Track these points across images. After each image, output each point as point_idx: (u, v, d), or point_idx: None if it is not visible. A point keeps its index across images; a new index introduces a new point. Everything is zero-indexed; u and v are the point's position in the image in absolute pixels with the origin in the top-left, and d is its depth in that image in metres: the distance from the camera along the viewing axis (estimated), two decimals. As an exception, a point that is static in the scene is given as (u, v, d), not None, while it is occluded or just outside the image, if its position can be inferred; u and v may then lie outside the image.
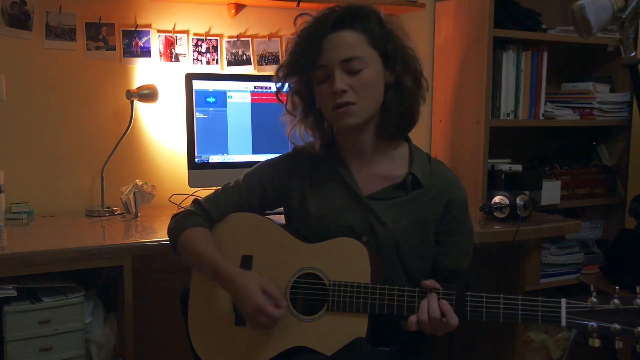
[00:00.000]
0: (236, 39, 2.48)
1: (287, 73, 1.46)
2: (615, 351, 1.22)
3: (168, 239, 1.54)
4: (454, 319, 1.27)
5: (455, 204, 1.45)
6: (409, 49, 1.44)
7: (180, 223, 1.50)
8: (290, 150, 1.57)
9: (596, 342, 1.21)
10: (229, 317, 1.44)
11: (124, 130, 2.27)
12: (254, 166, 1.57)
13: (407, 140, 1.51)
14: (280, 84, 1.49)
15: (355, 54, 1.36)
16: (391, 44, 1.41)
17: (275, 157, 1.57)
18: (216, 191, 1.57)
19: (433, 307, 1.28)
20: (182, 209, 1.57)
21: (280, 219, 1.55)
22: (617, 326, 1.18)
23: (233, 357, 1.43)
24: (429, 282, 1.32)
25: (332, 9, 1.39)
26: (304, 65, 1.41)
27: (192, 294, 1.51)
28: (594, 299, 1.21)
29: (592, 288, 1.23)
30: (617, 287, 1.23)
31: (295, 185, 1.50)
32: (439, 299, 1.29)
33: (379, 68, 1.40)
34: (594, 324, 1.20)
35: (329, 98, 1.38)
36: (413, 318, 1.29)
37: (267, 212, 1.57)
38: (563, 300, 1.23)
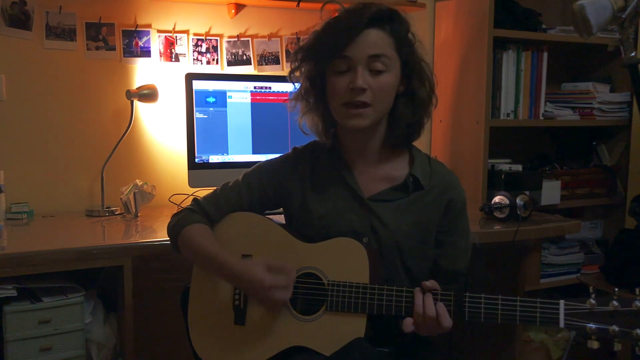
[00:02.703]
0: (236, 39, 2.48)
1: (307, 56, 1.44)
2: (614, 353, 1.22)
3: (168, 237, 1.54)
4: (447, 321, 1.28)
5: (455, 204, 1.46)
6: (426, 64, 1.45)
7: (179, 220, 1.50)
8: (290, 150, 1.57)
9: (595, 344, 1.21)
10: (228, 316, 1.44)
11: (124, 130, 2.27)
12: (254, 166, 1.57)
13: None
14: (296, 65, 1.47)
15: (383, 53, 1.36)
16: (412, 55, 1.42)
17: (276, 158, 1.57)
18: (215, 191, 1.56)
19: (429, 307, 1.28)
20: (182, 209, 1.57)
21: (280, 219, 1.55)
22: (615, 328, 1.18)
23: (232, 356, 1.43)
24: (429, 283, 1.32)
25: (366, 5, 1.38)
26: (328, 52, 1.38)
27: (192, 293, 1.51)
28: (593, 301, 1.21)
29: (591, 290, 1.23)
30: (616, 289, 1.23)
31: (296, 186, 1.50)
32: (435, 301, 1.29)
33: (397, 74, 1.40)
34: (593, 326, 1.20)
35: (345, 92, 1.37)
36: (409, 320, 1.30)
37: (266, 212, 1.57)
38: (562, 302, 1.23)
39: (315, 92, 1.46)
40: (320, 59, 1.41)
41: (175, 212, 1.57)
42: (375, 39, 1.36)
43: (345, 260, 1.38)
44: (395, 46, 1.38)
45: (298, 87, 1.49)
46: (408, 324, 1.29)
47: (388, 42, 1.37)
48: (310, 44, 1.43)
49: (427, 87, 1.44)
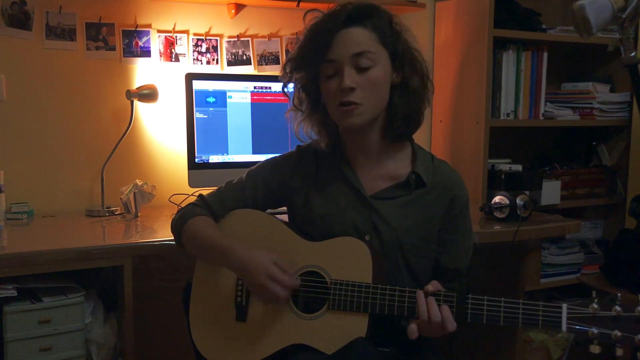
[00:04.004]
0: (236, 39, 2.48)
1: (295, 67, 1.45)
2: (615, 358, 1.22)
3: (172, 231, 1.53)
4: (452, 326, 1.27)
5: (458, 202, 1.46)
6: (417, 51, 1.45)
7: (183, 214, 1.51)
8: (293, 148, 1.57)
9: (596, 349, 1.20)
10: (230, 312, 1.45)
11: (124, 130, 2.27)
12: (258, 164, 1.57)
13: (410, 140, 1.51)
14: (287, 78, 1.48)
15: (367, 49, 1.36)
16: (400, 44, 1.41)
17: (279, 156, 1.57)
18: (219, 188, 1.57)
19: (434, 312, 1.28)
20: (186, 205, 1.57)
21: (284, 217, 1.55)
22: (618, 333, 1.18)
23: (233, 353, 1.43)
24: (431, 287, 1.31)
25: (344, 6, 1.38)
26: (313, 58, 1.39)
27: (194, 290, 1.51)
28: (596, 305, 1.20)
29: (593, 294, 1.23)
30: (619, 295, 1.22)
31: (299, 184, 1.50)
32: (439, 303, 1.29)
33: (388, 67, 1.40)
34: (595, 330, 1.19)
35: (336, 94, 1.38)
36: (414, 327, 1.29)
37: (270, 211, 1.56)
38: (564, 306, 1.23)
39: (310, 100, 1.47)
40: (307, 67, 1.43)
41: (179, 209, 1.57)
42: (357, 37, 1.37)
43: (348, 260, 1.38)
44: (379, 40, 1.38)
45: (292, 98, 1.50)
46: (413, 331, 1.29)
47: (370, 37, 1.38)
48: (296, 55, 1.44)
49: (420, 74, 1.44)
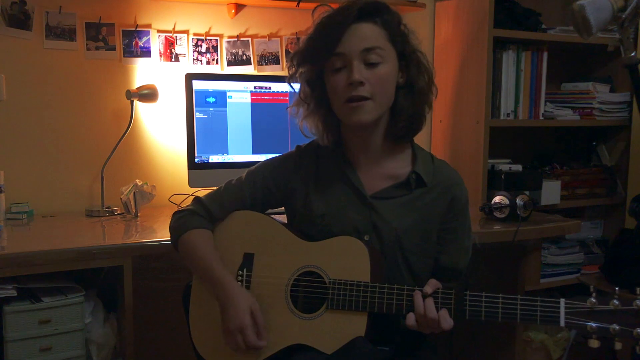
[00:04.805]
0: (236, 39, 2.48)
1: (303, 59, 1.45)
2: (614, 352, 1.22)
3: (170, 237, 1.53)
4: (447, 324, 1.28)
5: (458, 201, 1.46)
6: (422, 54, 1.45)
7: (181, 223, 1.50)
8: (293, 149, 1.57)
9: (595, 343, 1.21)
10: None
11: (124, 130, 2.27)
12: (257, 164, 1.57)
13: (410, 140, 1.51)
14: (293, 70, 1.47)
15: (377, 45, 1.36)
16: (408, 45, 1.42)
17: (279, 156, 1.57)
18: (219, 189, 1.56)
19: (430, 309, 1.29)
20: (184, 208, 1.57)
21: (282, 218, 1.55)
22: (616, 327, 1.18)
23: (233, 354, 1.42)
24: (429, 288, 1.32)
25: (354, 2, 1.39)
26: (322, 51, 1.38)
27: (193, 290, 1.51)
28: (593, 300, 1.21)
29: (591, 289, 1.23)
30: (616, 289, 1.23)
31: (299, 184, 1.50)
32: (436, 301, 1.30)
33: (395, 66, 1.40)
34: (593, 325, 1.20)
35: (343, 89, 1.37)
36: (412, 314, 1.30)
37: (269, 211, 1.56)
38: (562, 301, 1.23)
39: (315, 95, 1.47)
40: (315, 59, 1.42)
41: (177, 210, 1.57)
42: (367, 32, 1.37)
43: (346, 259, 1.38)
44: (388, 37, 1.39)
45: (298, 92, 1.50)
46: (411, 317, 1.30)
47: (380, 34, 1.38)
48: (304, 47, 1.44)
49: (425, 77, 1.44)
